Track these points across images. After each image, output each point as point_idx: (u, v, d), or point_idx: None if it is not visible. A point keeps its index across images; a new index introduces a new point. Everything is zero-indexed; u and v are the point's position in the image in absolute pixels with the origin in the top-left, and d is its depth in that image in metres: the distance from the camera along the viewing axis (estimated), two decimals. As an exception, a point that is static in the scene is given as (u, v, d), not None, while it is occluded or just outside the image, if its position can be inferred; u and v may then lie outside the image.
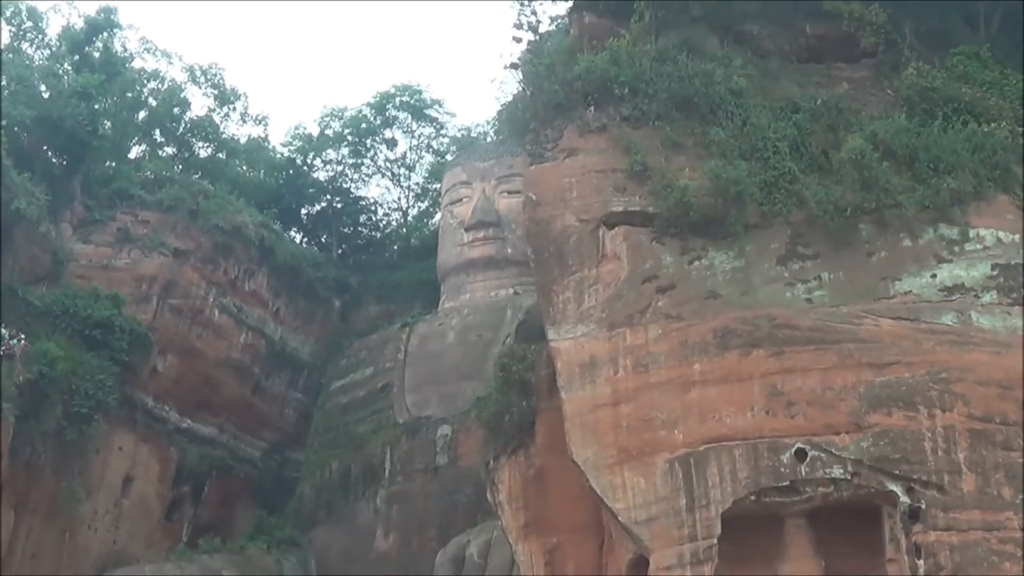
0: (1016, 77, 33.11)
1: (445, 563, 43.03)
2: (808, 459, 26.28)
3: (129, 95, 66.10)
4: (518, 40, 38.59)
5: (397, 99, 74.08)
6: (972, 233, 29.07)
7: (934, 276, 28.46)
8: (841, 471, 26.14)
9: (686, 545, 26.42)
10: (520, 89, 36.76)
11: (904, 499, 25.76)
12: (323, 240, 73.52)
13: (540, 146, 31.76)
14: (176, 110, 68.60)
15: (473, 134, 75.99)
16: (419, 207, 77.36)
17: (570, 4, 37.83)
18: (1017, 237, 29.09)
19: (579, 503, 31.12)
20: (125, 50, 66.51)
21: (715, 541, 26.26)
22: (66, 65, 61.27)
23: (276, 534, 53.42)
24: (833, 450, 26.23)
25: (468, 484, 49.36)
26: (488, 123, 77.12)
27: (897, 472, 25.90)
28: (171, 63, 70.17)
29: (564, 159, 31.23)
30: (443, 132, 76.16)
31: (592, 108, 31.81)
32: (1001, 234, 29.11)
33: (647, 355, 28.03)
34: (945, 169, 29.85)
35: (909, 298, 28.17)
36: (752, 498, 26.42)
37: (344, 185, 74.75)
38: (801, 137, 31.03)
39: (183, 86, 69.71)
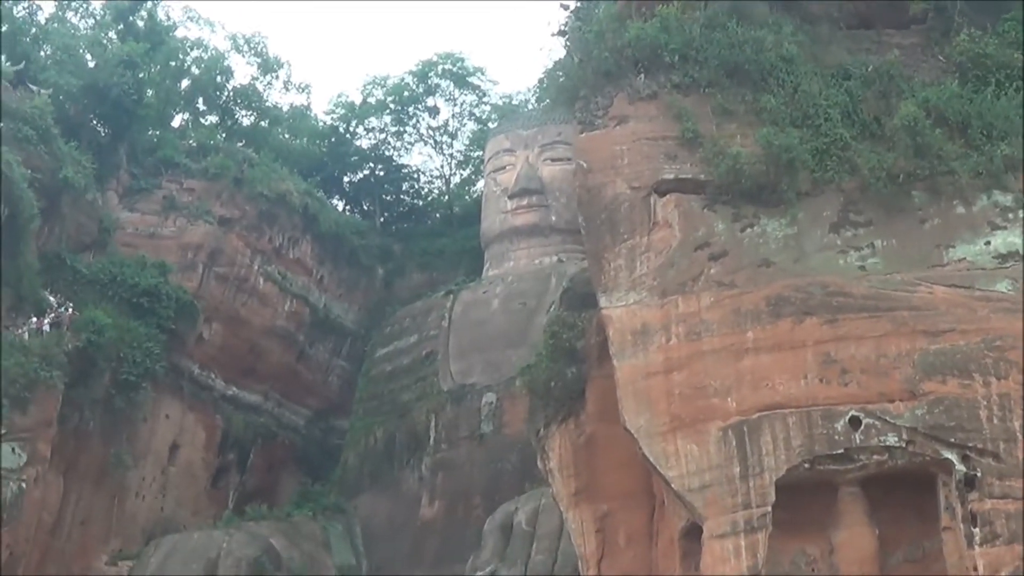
0: (1070, 42, 32.85)
1: (493, 530, 43.20)
2: (862, 427, 26.17)
3: (172, 64, 66.35)
4: (565, 7, 38.29)
5: (439, 67, 74.00)
6: (1026, 200, 28.88)
7: (988, 243, 28.19)
8: (896, 439, 26.04)
9: (740, 513, 26.41)
10: (566, 56, 36.62)
11: (959, 467, 25.61)
12: (366, 208, 73.69)
13: (590, 113, 31.57)
14: (219, 79, 68.82)
15: (515, 102, 75.90)
16: (461, 175, 77.47)
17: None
18: (1071, 203, 28.89)
19: (629, 471, 31.21)
20: (169, 19, 66.88)
21: (769, 509, 26.22)
22: (111, 34, 61.55)
23: (321, 501, 53.87)
24: (887, 418, 26.12)
25: (513, 452, 49.63)
26: (530, 91, 77.02)
27: (952, 440, 25.76)
28: (214, 32, 71.06)
29: (615, 126, 31.06)
30: (485, 100, 76.07)
31: (642, 75, 31.63)
32: (1056, 200, 28.91)
33: (699, 323, 27.96)
34: (998, 136, 29.54)
35: (963, 265, 27.94)
36: (806, 466, 26.35)
37: (387, 153, 74.87)
38: (853, 104, 30.77)
39: (226, 55, 70.01)
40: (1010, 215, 28.59)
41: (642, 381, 28.07)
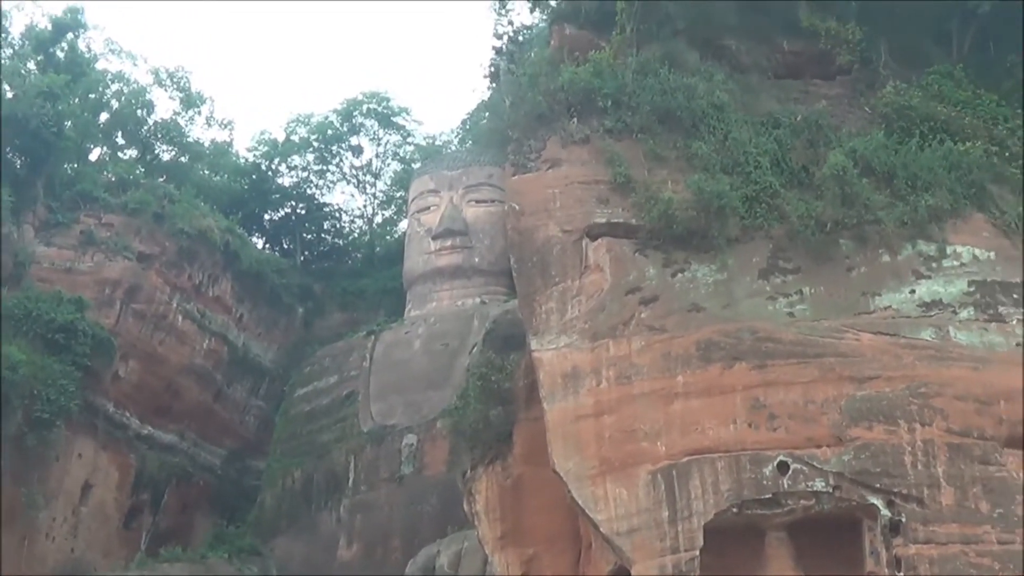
0: (989, 97, 33.68)
1: (415, 573, 42.89)
2: (790, 472, 26.45)
3: (92, 97, 65.50)
4: (498, 50, 38.62)
5: (364, 106, 73.98)
6: (949, 250, 29.50)
7: (913, 292, 28.81)
8: (823, 484, 26.33)
9: (668, 557, 26.44)
10: (494, 98, 36.90)
11: (885, 512, 26.00)
12: (286, 246, 73.24)
13: (523, 156, 31.76)
14: (140, 112, 68.12)
15: (438, 143, 76.09)
16: (384, 215, 77.39)
17: (548, 16, 38.06)
18: (993, 254, 29.54)
19: (556, 514, 31.24)
20: (90, 51, 66.04)
21: (697, 553, 26.28)
22: (30, 64, 60.77)
23: (237, 543, 52.98)
24: (815, 463, 26.43)
25: (433, 494, 49.35)
26: (453, 132, 77.32)
27: (878, 485, 26.13)
28: (136, 65, 69.85)
29: (547, 169, 31.29)
30: (410, 140, 76.19)
31: (575, 119, 31.95)
32: (977, 251, 29.55)
33: (630, 366, 28.09)
34: (923, 186, 30.29)
35: (889, 313, 28.48)
36: (734, 510, 26.53)
37: (309, 191, 74.54)
38: (782, 152, 31.34)
39: (148, 88, 69.28)
40: (934, 264, 29.23)
41: (572, 424, 28.08)
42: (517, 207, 30.99)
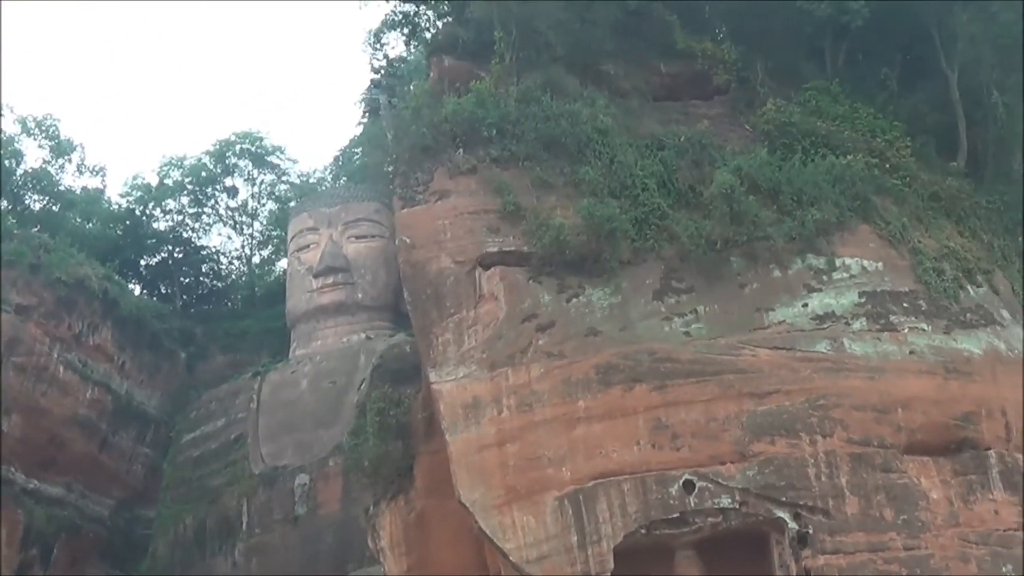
0: (865, 110, 34.47)
1: (320, 614, 42.42)
2: (696, 490, 26.64)
3: (-44, 150, 63.99)
4: (376, 84, 38.48)
5: (237, 146, 72.97)
6: (838, 262, 30.08)
7: (805, 305, 29.22)
8: (729, 500, 26.57)
9: (579, 582, 26.48)
10: (373, 133, 36.76)
11: (792, 525, 26.33)
12: (164, 291, 71.85)
13: (411, 189, 31.64)
14: (9, 163, 66.62)
15: (312, 180, 75.36)
16: (262, 255, 76.38)
17: (424, 48, 38.06)
18: (881, 265, 30.14)
19: (463, 546, 31.03)
20: (-48, 104, 64.42)
21: (608, 576, 26.38)
22: None
23: (130, 594, 52.15)
24: (720, 480, 26.65)
25: (329, 532, 48.80)
26: (326, 169, 76.67)
27: (783, 499, 26.46)
28: (2, 114, 68.16)
29: (436, 201, 31.24)
30: (285, 179, 75.23)
31: (461, 150, 31.94)
32: (865, 262, 30.17)
33: (530, 394, 28.09)
34: (808, 201, 30.80)
35: (783, 327, 28.85)
36: (643, 531, 26.67)
37: (185, 235, 73.22)
38: (668, 173, 31.65)
39: (16, 138, 67.71)
40: (824, 277, 29.68)
41: (475, 454, 27.97)
42: (408, 240, 30.87)
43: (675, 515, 26.63)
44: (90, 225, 69.76)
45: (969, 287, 30.77)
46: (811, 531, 26.22)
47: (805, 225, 30.17)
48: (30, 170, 67.46)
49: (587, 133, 31.98)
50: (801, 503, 26.38)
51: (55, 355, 54.45)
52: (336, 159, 76.42)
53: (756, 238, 29.91)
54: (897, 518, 26.43)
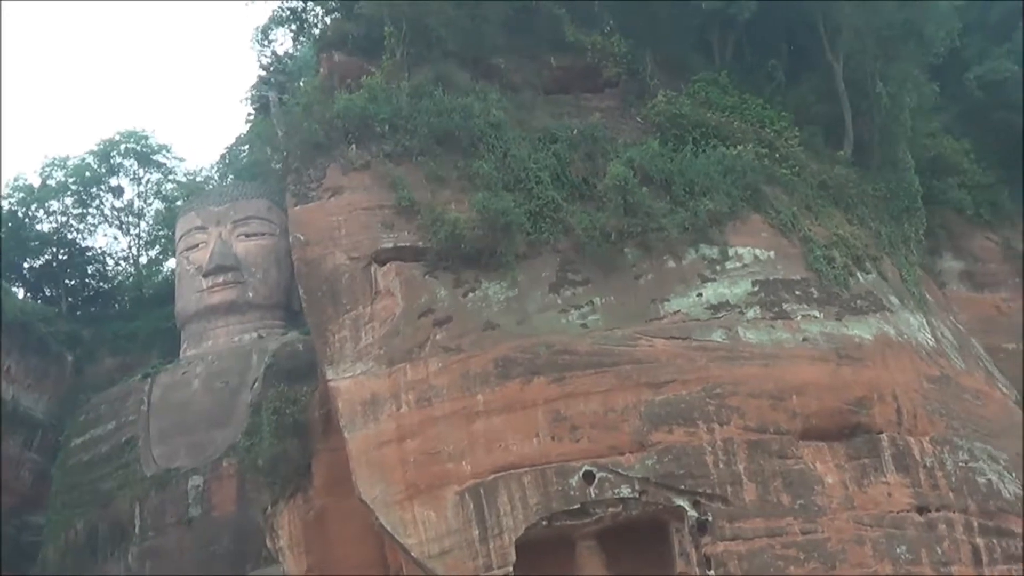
0: (754, 101, 34.88)
1: (220, 618, 41.96)
2: (596, 481, 26.73)
3: None
4: (265, 81, 38.10)
5: (122, 146, 71.93)
6: (731, 252, 30.39)
7: (700, 295, 29.47)
8: (629, 490, 26.72)
9: (482, 575, 26.45)
10: (262, 130, 36.44)
11: (692, 513, 26.54)
12: (49, 294, 70.63)
13: (303, 186, 31.38)
14: None
15: (200, 179, 74.52)
16: (149, 255, 75.31)
17: (313, 44, 37.77)
18: (773, 254, 30.53)
19: (364, 543, 31.01)
20: None
21: (510, 569, 26.40)
22: None
23: (20, 603, 51.20)
24: (620, 470, 26.77)
25: (225, 534, 48.34)
26: (213, 167, 75.84)
27: (683, 487, 26.66)
28: None
29: (329, 198, 31.02)
30: (171, 177, 74.29)
31: (354, 146, 31.75)
32: (758, 251, 30.53)
33: (429, 389, 28.01)
34: (700, 191, 31.07)
35: (679, 317, 29.06)
36: (544, 523, 26.69)
37: (70, 236, 71.96)
38: (561, 166, 31.71)
39: None
40: (718, 267, 29.98)
41: (375, 451, 27.83)
42: (302, 237, 30.62)
43: (576, 506, 26.70)
44: (-30, 228, 68.31)
45: (859, 274, 31.29)
46: (710, 518, 26.47)
47: (698, 215, 30.44)
48: (-96, 173, 65.97)
49: (480, 127, 31.93)
50: (700, 491, 26.61)
51: (-62, 362, 53.34)
52: (223, 157, 75.59)
53: (650, 229, 30.09)
54: (794, 503, 26.80)
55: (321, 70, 36.66)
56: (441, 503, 27.05)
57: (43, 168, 71.70)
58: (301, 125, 32.62)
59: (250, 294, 57.61)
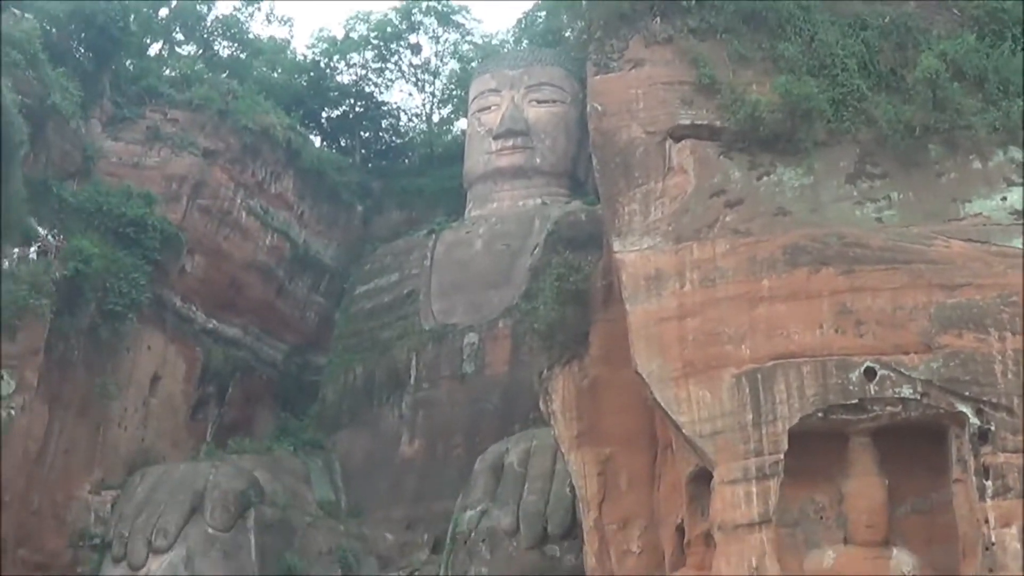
0: (1085, -2, 32.91)
1: (484, 470, 43.16)
2: (877, 378, 26.19)
3: (153, -8, 65.20)
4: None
5: (423, 4, 73.34)
6: (1042, 157, 28.99)
7: (1004, 199, 28.24)
8: (910, 391, 26.08)
9: (751, 460, 26.44)
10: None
11: (974, 420, 25.70)
12: (344, 144, 72.93)
13: (605, 56, 31.35)
14: (200, 7, 67.77)
15: (495, 42, 75.34)
16: (442, 114, 76.90)
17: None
18: (1085, 163, 29.02)
19: (632, 414, 31.42)
20: (149, -56, 65.43)
21: (781, 457, 26.22)
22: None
23: (300, 436, 53.75)
24: (903, 370, 26.14)
25: (495, 393, 49.75)
26: (509, 32, 76.56)
27: (967, 393, 25.83)
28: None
29: (630, 70, 30.89)
30: (468, 39, 75.48)
31: (658, 19, 31.43)
32: (1071, 157, 29.03)
33: (714, 269, 27.86)
34: (1015, 92, 29.60)
35: (979, 220, 27.97)
36: (819, 415, 26.36)
37: (367, 89, 74.02)
38: (870, 54, 30.71)
39: (209, -17, 68.78)
40: (1025, 171, 28.71)
41: (655, 326, 27.94)
42: (599, 107, 30.67)
43: (854, 401, 26.23)
44: (276, 75, 71.00)
45: None
46: (993, 427, 25.59)
47: (1010, 116, 29.02)
48: (220, 16, 68.55)
49: (789, 8, 31.13)
50: (984, 399, 25.73)
51: (238, 200, 56.13)
52: (519, 21, 76.25)
53: (958, 126, 28.92)
54: (1083, 421, 25.78)
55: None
56: (717, 384, 27.02)
57: (347, 21, 73.91)
58: (607, -6, 32.51)
59: (537, 160, 58.44)
